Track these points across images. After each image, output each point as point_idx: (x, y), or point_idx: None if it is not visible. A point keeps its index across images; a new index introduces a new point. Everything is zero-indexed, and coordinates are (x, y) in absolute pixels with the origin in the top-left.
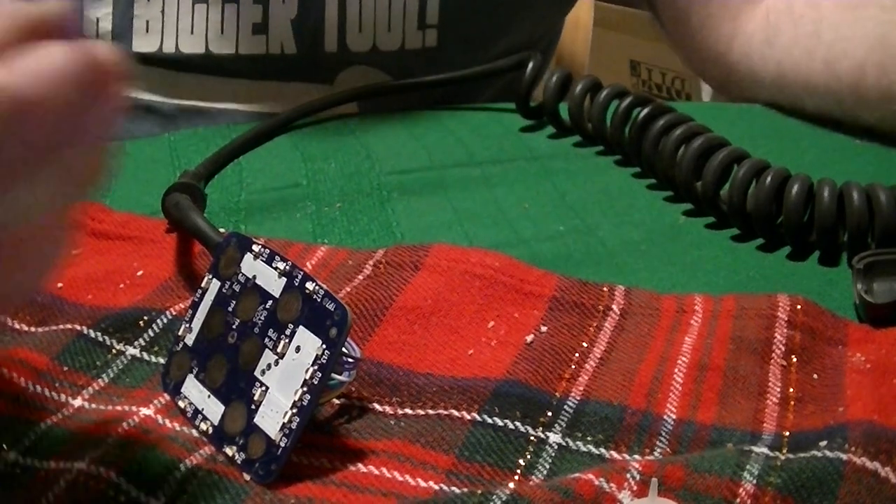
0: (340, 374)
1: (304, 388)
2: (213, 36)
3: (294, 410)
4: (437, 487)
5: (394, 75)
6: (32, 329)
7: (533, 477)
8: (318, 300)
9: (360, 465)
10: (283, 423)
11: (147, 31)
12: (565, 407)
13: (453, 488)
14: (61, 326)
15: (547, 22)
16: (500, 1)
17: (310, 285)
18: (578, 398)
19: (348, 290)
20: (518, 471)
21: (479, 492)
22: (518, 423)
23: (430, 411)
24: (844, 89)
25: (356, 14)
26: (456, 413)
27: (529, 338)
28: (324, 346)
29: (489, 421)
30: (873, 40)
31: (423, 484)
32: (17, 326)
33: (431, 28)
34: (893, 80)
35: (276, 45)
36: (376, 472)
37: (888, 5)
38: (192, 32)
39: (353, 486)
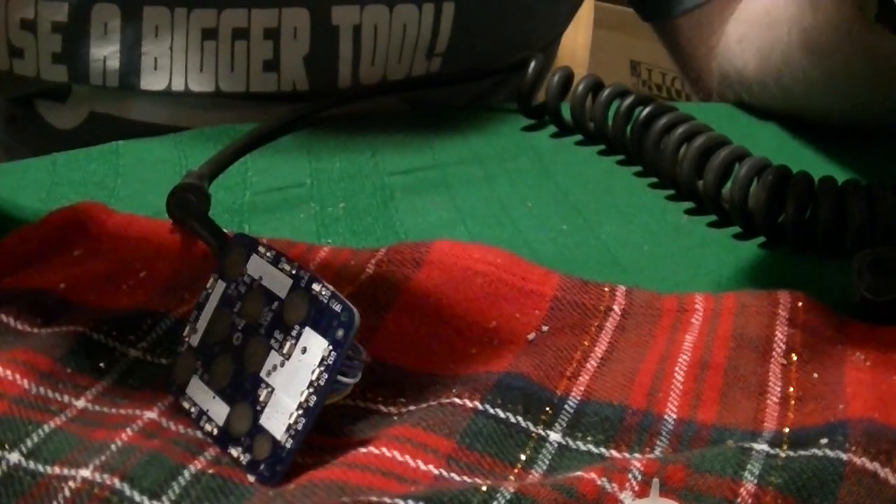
0: (346, 375)
1: (310, 390)
2: (223, 74)
3: (300, 412)
4: (436, 472)
5: (404, 99)
6: (35, 330)
7: (533, 472)
8: (325, 301)
9: (359, 448)
10: (289, 425)
11: (155, 68)
12: (566, 406)
13: (452, 475)
14: (64, 328)
15: (548, 39)
16: (504, 28)
17: (316, 286)
18: (579, 398)
19: (351, 289)
20: (518, 465)
21: (484, 489)
22: (520, 418)
23: (433, 402)
24: (756, 103)
25: (370, 49)
26: (458, 401)
27: (531, 336)
28: (330, 348)
29: (491, 411)
30: (758, 60)
31: (422, 467)
32: (19, 327)
33: (438, 56)
34: (774, 94)
35: (287, 83)
36: (376, 451)
37: (770, 23)
38: (201, 70)
39: (352, 465)
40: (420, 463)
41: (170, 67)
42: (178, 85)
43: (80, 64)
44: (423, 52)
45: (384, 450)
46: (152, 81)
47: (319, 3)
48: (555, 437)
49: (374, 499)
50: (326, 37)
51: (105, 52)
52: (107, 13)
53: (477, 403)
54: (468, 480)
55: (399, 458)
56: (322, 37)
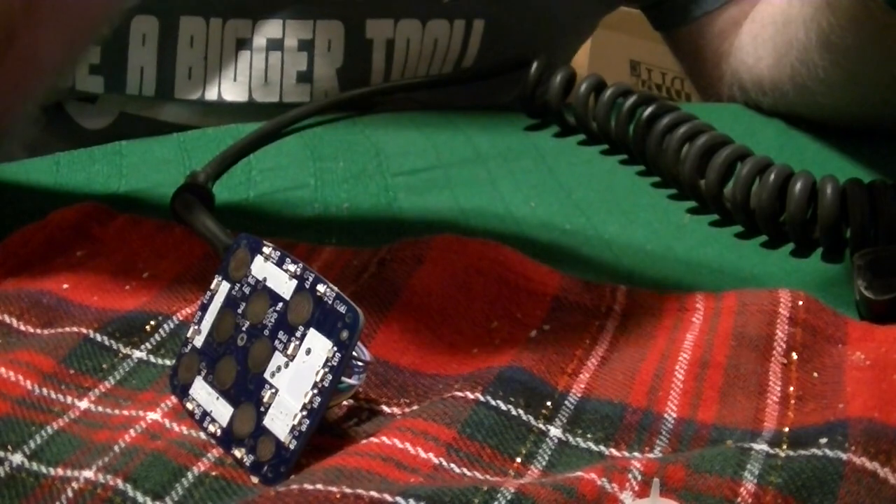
0: (350, 377)
1: (315, 391)
2: (256, 84)
3: (304, 413)
4: (436, 461)
5: (425, 103)
6: (38, 331)
7: (532, 467)
8: (329, 302)
9: (360, 441)
10: (293, 426)
11: (190, 78)
12: (566, 402)
13: (452, 465)
14: (67, 329)
15: (570, 52)
16: (530, 43)
17: (321, 287)
18: (579, 395)
19: (354, 289)
20: (518, 458)
21: (485, 488)
22: (521, 411)
23: (435, 398)
24: (764, 102)
25: (402, 62)
26: (459, 394)
27: (532, 333)
28: (334, 349)
29: (492, 403)
30: (774, 58)
31: (422, 454)
32: (22, 328)
33: (465, 68)
34: (788, 92)
35: (320, 94)
36: (376, 441)
37: (785, 22)
38: (235, 80)
39: (352, 452)
40: (420, 451)
41: (204, 77)
42: (211, 94)
43: (117, 74)
44: (451, 65)
45: (384, 438)
46: (186, 91)
47: (354, 17)
48: (555, 432)
49: (374, 494)
50: (360, 50)
51: (142, 63)
52: (146, 24)
53: (478, 395)
54: (467, 473)
55: (399, 445)
56: (356, 50)
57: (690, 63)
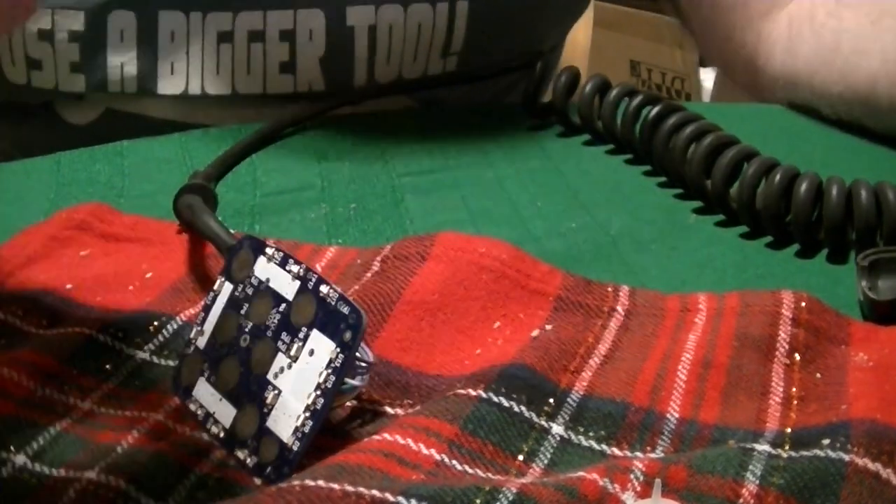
0: (353, 378)
1: (318, 392)
2: (239, 76)
3: (307, 414)
4: (438, 457)
5: (416, 99)
6: (41, 331)
7: (534, 465)
8: (333, 304)
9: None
10: (296, 427)
11: (172, 72)
12: (568, 400)
13: (454, 462)
14: (70, 329)
15: (559, 37)
16: (518, 27)
17: (324, 288)
18: (581, 393)
19: (357, 287)
20: (520, 456)
21: (487, 488)
22: (523, 408)
23: (438, 398)
24: (857, 99)
25: (385, 47)
26: (461, 391)
27: (535, 333)
28: (338, 350)
29: (495, 399)
30: (889, 52)
31: (424, 451)
32: (25, 328)
33: (453, 55)
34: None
35: (304, 84)
36: (378, 438)
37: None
38: (217, 73)
39: (354, 450)
40: (422, 447)
41: (186, 71)
42: (194, 88)
43: (98, 72)
44: (438, 51)
45: (385, 435)
46: (169, 85)
47: (335, 4)
48: (557, 429)
49: (375, 493)
50: (342, 37)
51: (122, 59)
52: (123, 20)
53: (480, 392)
54: (469, 470)
55: (401, 441)
56: (338, 37)
57: (712, 28)
